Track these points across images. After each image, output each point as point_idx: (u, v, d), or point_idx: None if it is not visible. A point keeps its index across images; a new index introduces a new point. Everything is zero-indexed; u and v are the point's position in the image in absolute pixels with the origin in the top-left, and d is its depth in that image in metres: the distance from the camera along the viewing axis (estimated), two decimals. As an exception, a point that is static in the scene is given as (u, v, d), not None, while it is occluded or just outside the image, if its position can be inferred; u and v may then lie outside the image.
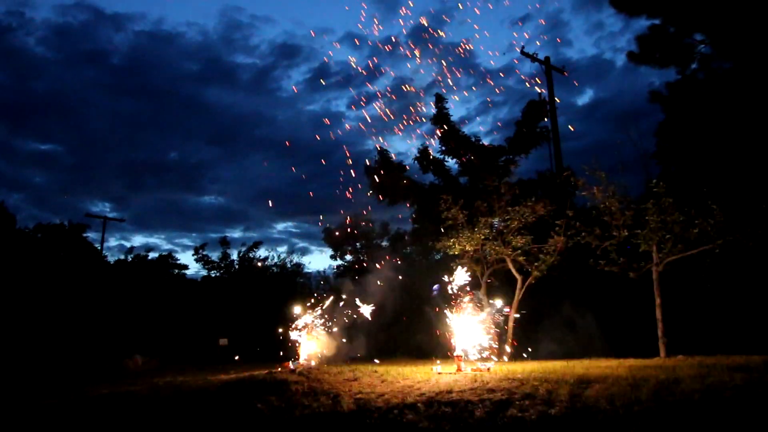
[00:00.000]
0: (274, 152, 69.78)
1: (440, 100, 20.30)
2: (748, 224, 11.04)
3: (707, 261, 11.63)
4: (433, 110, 20.25)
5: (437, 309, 12.53)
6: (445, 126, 19.96)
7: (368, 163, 21.24)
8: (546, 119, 20.10)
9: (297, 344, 13.06)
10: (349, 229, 24.14)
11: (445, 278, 11.12)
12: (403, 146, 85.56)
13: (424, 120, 20.63)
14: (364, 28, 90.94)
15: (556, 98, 20.34)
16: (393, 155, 21.10)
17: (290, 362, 12.93)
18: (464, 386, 7.70)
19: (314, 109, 74.58)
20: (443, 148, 20.05)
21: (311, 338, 13.02)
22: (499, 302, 11.96)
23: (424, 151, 20.50)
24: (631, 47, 16.94)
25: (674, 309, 12.46)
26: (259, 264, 25.74)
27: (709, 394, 6.05)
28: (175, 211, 68.15)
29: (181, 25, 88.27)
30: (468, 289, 11.60)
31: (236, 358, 15.69)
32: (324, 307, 13.05)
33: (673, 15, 15.78)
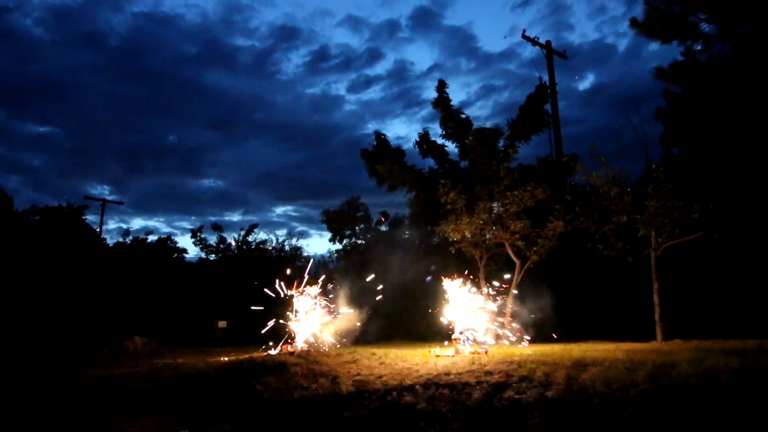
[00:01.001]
0: (273, 136, 69.57)
1: (442, 83, 20.20)
2: (747, 209, 11.05)
3: (705, 246, 11.65)
4: (434, 94, 20.12)
5: (436, 293, 12.58)
6: (445, 109, 19.87)
7: (367, 148, 21.14)
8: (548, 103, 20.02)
9: (294, 327, 13.10)
10: (348, 213, 24.12)
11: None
12: (403, 130, 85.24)
13: (423, 104, 20.61)
14: (364, 11, 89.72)
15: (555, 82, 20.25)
16: (392, 139, 21.06)
17: (289, 344, 12.99)
18: (462, 369, 7.76)
19: (314, 92, 74.22)
20: (444, 132, 19.98)
21: (309, 321, 13.05)
22: (496, 285, 12.02)
23: (424, 136, 20.42)
24: (632, 33, 16.66)
25: (672, 293, 12.51)
26: (256, 245, 25.73)
27: (705, 377, 6.10)
28: (174, 195, 68.09)
29: (179, 6, 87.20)
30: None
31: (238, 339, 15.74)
32: (320, 289, 13.07)
33: None
